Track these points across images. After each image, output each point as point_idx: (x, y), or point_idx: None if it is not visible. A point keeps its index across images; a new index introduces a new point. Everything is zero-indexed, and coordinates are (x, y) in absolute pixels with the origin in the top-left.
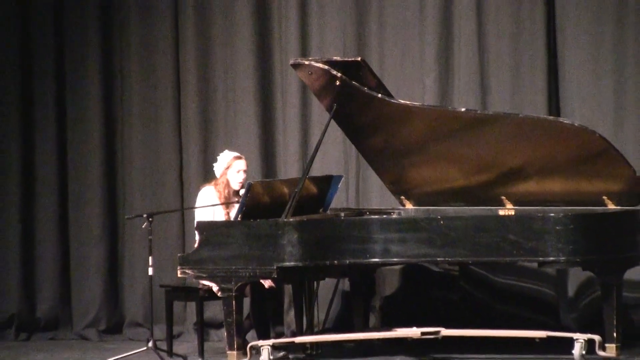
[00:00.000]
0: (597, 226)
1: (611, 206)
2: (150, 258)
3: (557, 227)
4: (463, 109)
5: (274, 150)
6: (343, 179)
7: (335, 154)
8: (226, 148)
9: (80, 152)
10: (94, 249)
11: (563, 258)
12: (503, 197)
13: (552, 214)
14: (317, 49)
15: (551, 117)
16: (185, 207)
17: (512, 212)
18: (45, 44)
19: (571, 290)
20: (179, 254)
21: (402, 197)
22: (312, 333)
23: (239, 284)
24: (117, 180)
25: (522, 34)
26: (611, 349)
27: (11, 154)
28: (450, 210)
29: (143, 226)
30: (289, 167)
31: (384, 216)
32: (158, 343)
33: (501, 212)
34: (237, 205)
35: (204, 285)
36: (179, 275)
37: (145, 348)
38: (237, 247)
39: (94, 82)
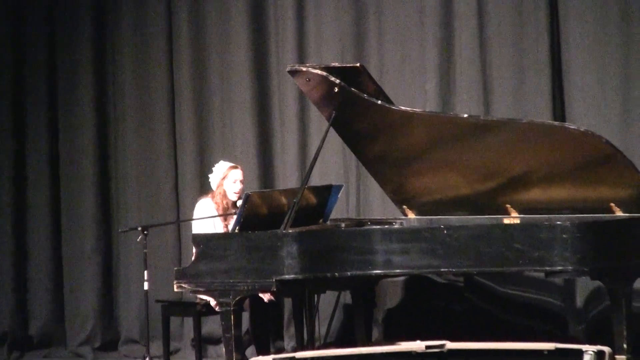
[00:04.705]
0: (605, 234)
1: (619, 213)
2: (145, 272)
3: (564, 236)
4: (465, 115)
5: (272, 160)
6: (343, 188)
7: (334, 162)
8: (223, 158)
9: (72, 163)
10: (88, 264)
11: (570, 267)
12: (508, 206)
13: (558, 222)
14: (314, 55)
15: (556, 123)
16: (181, 219)
17: (517, 221)
18: (37, 50)
19: (579, 301)
20: (175, 268)
21: (404, 207)
22: (313, 348)
23: (238, 298)
24: (111, 192)
25: (525, 37)
26: None
27: (1, 166)
28: (453, 219)
29: (138, 239)
30: (287, 177)
31: (386, 226)
32: None
33: (506, 221)
34: (235, 217)
35: (201, 299)
36: (175, 289)
37: None
38: (235, 259)
39: (86, 91)
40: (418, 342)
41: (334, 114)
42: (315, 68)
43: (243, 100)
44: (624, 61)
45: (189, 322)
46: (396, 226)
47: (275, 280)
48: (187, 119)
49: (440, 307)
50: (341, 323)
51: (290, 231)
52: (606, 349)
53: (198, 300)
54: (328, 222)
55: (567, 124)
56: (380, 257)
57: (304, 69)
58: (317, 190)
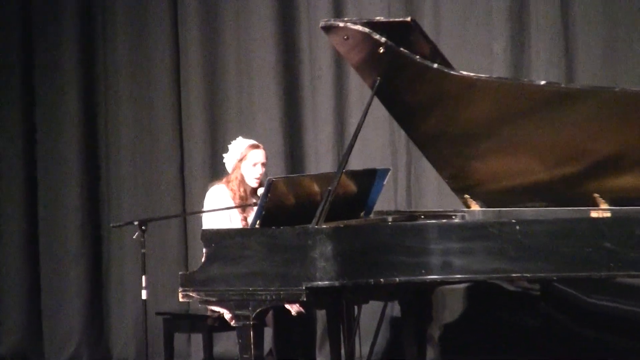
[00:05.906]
0: None
1: None
2: (143, 278)
3: None
4: (542, 82)
5: (301, 138)
6: (390, 172)
7: (379, 141)
8: (241, 134)
9: (52, 141)
10: (72, 267)
11: None
12: (595, 195)
13: None
14: (354, 7)
15: None
16: (187, 211)
17: (607, 214)
18: (9, 17)
19: None
20: (180, 272)
21: (466, 196)
22: None
23: (259, 310)
24: (101, 179)
25: None
26: None
27: None
28: (527, 212)
29: (134, 236)
30: (320, 159)
31: (443, 221)
32: None
33: (593, 214)
34: (255, 209)
35: (213, 312)
36: (180, 299)
37: None
38: (256, 262)
39: (70, 53)
40: None
41: (378, 81)
42: (356, 23)
43: (265, 63)
44: None
45: (197, 339)
46: (456, 220)
47: (306, 287)
48: (194, 86)
49: (511, 321)
50: (387, 340)
51: (324, 227)
52: None
53: (209, 313)
54: (371, 216)
55: None
56: (436, 260)
57: (342, 24)
58: (357, 175)
